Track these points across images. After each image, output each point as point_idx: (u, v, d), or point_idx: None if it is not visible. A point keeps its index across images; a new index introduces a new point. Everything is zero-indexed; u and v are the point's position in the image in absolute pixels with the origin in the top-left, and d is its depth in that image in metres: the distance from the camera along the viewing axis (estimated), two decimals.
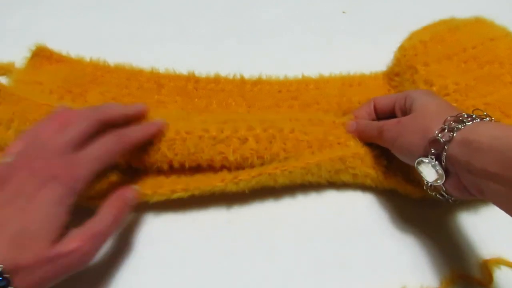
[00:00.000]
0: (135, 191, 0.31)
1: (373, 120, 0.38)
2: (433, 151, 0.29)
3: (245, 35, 0.51)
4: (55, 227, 0.26)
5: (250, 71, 0.44)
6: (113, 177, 0.35)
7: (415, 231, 0.35)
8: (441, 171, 0.29)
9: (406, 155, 0.32)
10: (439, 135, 0.29)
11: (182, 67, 0.44)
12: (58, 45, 0.48)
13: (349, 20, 0.53)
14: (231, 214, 0.35)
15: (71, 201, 0.27)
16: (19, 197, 0.26)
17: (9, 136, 0.34)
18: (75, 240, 0.26)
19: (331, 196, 0.37)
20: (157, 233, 0.34)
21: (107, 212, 0.29)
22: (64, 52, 0.45)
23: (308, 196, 0.36)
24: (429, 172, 0.29)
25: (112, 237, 0.32)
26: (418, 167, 0.30)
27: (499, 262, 0.32)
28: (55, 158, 0.28)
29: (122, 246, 0.33)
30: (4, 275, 0.23)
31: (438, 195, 0.31)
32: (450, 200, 0.31)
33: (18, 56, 0.44)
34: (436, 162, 0.29)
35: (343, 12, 0.54)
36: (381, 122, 0.35)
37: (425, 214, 0.36)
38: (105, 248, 0.33)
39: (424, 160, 0.29)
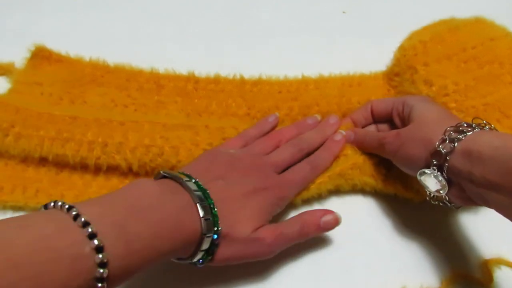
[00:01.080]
0: (335, 218, 0.32)
1: (369, 123, 0.38)
2: (435, 162, 0.29)
3: (245, 35, 0.51)
4: (259, 221, 0.29)
5: (250, 71, 0.44)
6: (114, 180, 0.35)
7: (415, 231, 0.35)
8: (444, 182, 0.29)
9: (408, 166, 0.32)
10: (440, 146, 0.29)
11: (182, 67, 0.44)
12: (58, 45, 0.48)
13: (349, 20, 0.53)
14: None
15: (272, 213, 0.31)
16: (241, 185, 0.30)
17: (9, 141, 0.35)
18: (267, 232, 0.29)
19: (332, 198, 0.37)
20: None
21: (298, 221, 0.31)
22: (64, 52, 0.45)
23: (308, 198, 0.36)
24: (432, 182, 0.29)
25: None
26: (421, 178, 0.30)
27: (499, 262, 0.32)
28: (268, 172, 0.32)
29: None
30: (219, 234, 0.27)
31: (441, 204, 0.31)
32: (454, 208, 0.31)
33: (18, 56, 0.44)
34: (439, 173, 0.29)
35: (343, 12, 0.54)
36: (381, 134, 0.35)
37: (425, 215, 0.36)
38: None
39: (427, 171, 0.29)
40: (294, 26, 0.52)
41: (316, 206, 0.36)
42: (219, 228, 0.27)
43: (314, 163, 0.35)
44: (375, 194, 0.37)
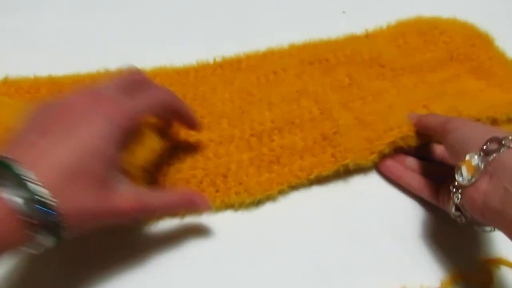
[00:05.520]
0: (206, 202, 0.31)
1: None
2: (485, 148, 0.28)
3: (245, 35, 0.51)
4: (107, 166, 0.25)
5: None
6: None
7: (415, 231, 0.35)
8: (481, 166, 0.27)
9: (460, 145, 0.30)
10: (503, 138, 0.27)
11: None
12: (58, 45, 0.48)
13: (349, 20, 0.53)
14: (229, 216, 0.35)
15: (122, 143, 0.26)
16: (72, 131, 0.25)
17: None
18: (130, 200, 0.26)
19: (331, 197, 0.37)
20: (153, 230, 0.34)
21: (169, 195, 0.29)
22: (63, 52, 0.45)
23: (308, 198, 0.36)
24: (469, 167, 0.28)
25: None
26: (462, 162, 0.28)
27: (499, 262, 0.32)
28: (106, 96, 0.27)
29: (122, 247, 0.33)
30: (57, 211, 0.22)
31: (453, 210, 0.30)
32: (461, 218, 0.30)
33: (18, 56, 0.44)
34: (482, 155, 0.27)
35: (343, 12, 0.54)
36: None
37: (425, 214, 0.36)
38: (103, 249, 0.33)
39: (474, 155, 0.28)
40: (294, 26, 0.52)
41: (314, 199, 0.36)
42: (52, 203, 0.22)
43: (172, 92, 0.32)
44: (376, 193, 0.37)
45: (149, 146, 0.30)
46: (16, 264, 0.31)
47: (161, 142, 0.32)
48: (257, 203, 0.35)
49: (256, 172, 0.35)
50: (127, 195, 0.26)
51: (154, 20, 0.52)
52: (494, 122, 0.38)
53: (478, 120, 0.37)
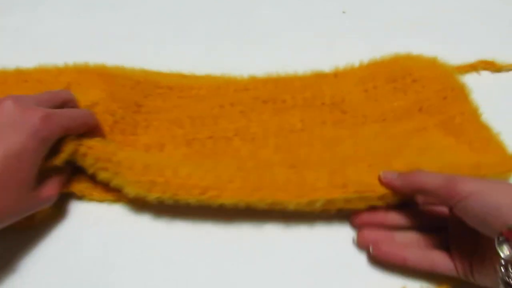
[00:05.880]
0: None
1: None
2: None
3: (245, 35, 0.51)
4: (32, 174, 0.29)
5: (249, 71, 0.44)
6: None
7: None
8: None
9: (487, 215, 0.26)
10: None
11: (181, 67, 0.44)
12: (58, 45, 0.48)
13: (349, 20, 0.53)
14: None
15: (44, 151, 0.30)
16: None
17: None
18: (51, 189, 0.31)
19: None
20: (153, 230, 0.34)
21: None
22: (63, 52, 0.45)
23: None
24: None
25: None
26: (502, 237, 0.25)
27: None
28: (29, 106, 0.29)
29: (122, 253, 0.33)
30: None
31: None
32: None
33: (18, 56, 0.44)
34: None
35: (343, 12, 0.54)
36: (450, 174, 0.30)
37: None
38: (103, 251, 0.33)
39: None
40: (293, 26, 0.52)
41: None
42: None
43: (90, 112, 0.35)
44: None
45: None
46: None
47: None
48: None
49: None
50: (50, 184, 0.31)
51: (154, 20, 0.52)
52: None
53: None
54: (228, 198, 0.31)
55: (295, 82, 0.43)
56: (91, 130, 0.34)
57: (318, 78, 0.43)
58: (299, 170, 0.34)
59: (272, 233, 0.34)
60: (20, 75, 0.43)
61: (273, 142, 0.37)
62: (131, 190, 0.32)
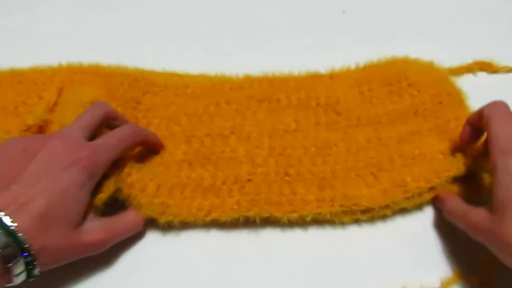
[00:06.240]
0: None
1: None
2: None
3: (245, 35, 0.51)
4: (79, 210, 0.28)
5: (250, 71, 0.44)
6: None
7: (415, 231, 0.35)
8: None
9: None
10: None
11: (181, 67, 0.45)
12: (58, 45, 0.48)
13: (349, 20, 0.53)
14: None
15: (91, 186, 0.30)
16: (45, 177, 0.27)
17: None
18: (100, 233, 0.29)
19: None
20: (154, 231, 0.34)
21: (130, 214, 0.32)
22: (63, 52, 0.45)
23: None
24: None
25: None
26: None
27: (499, 262, 0.32)
28: (75, 142, 0.30)
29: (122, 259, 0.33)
30: (31, 253, 0.25)
31: None
32: None
33: (18, 56, 0.44)
34: None
35: (343, 12, 0.54)
36: (465, 208, 0.31)
37: (425, 214, 0.36)
38: None
39: None
40: (293, 26, 0.52)
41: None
42: (27, 246, 0.25)
43: (135, 127, 0.35)
44: None
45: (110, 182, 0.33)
46: None
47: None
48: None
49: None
50: (97, 229, 0.30)
51: (154, 20, 0.52)
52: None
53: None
54: (229, 216, 0.33)
55: (290, 82, 0.43)
56: (143, 144, 0.35)
57: (314, 79, 0.43)
58: (292, 180, 0.35)
59: (272, 233, 0.34)
60: (15, 76, 0.43)
61: (268, 142, 0.37)
62: (144, 212, 0.33)
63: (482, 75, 0.46)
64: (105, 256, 0.32)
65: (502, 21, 0.51)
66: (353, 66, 0.44)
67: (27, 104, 0.40)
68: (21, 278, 0.26)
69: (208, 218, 0.33)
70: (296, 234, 0.34)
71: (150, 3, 0.55)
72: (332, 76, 0.43)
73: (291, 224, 0.34)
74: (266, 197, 0.34)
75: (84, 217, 0.29)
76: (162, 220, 0.33)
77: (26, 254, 0.25)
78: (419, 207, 0.36)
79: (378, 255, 0.33)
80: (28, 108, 0.40)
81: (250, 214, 0.33)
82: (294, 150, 0.37)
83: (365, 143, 0.38)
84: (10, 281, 0.25)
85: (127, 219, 0.32)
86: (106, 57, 0.44)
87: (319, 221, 0.34)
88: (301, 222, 0.34)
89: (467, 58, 0.46)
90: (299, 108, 0.40)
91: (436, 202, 0.35)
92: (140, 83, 0.42)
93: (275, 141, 0.38)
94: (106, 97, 0.39)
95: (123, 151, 0.33)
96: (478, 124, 0.33)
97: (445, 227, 0.35)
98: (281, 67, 0.44)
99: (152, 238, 0.34)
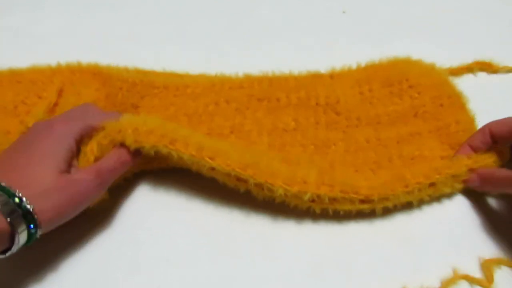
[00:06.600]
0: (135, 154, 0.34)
1: (488, 146, 0.35)
2: None
3: (245, 35, 0.51)
4: (61, 157, 0.30)
5: (249, 71, 0.44)
6: None
7: (415, 231, 0.35)
8: None
9: None
10: None
11: (181, 67, 0.45)
12: (58, 45, 0.48)
13: (349, 20, 0.53)
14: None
15: (71, 140, 0.32)
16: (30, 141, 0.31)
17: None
18: (81, 172, 0.31)
19: None
20: (154, 230, 0.34)
21: (114, 152, 0.33)
22: (63, 52, 0.45)
23: None
24: None
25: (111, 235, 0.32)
26: None
27: (499, 262, 0.32)
28: (57, 121, 0.33)
29: (122, 242, 0.33)
30: (25, 205, 0.26)
31: None
32: None
33: (18, 56, 0.44)
34: None
35: (343, 12, 0.54)
36: None
37: (424, 214, 0.36)
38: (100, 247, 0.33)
39: None
40: (293, 26, 0.52)
41: None
42: (24, 204, 0.27)
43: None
44: None
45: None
46: None
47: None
48: None
49: None
50: (84, 169, 0.31)
51: (154, 20, 0.52)
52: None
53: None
54: (221, 163, 0.32)
55: (290, 81, 0.43)
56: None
57: (314, 79, 0.43)
58: (290, 165, 0.34)
59: (272, 232, 0.34)
60: (14, 75, 0.43)
61: (267, 141, 0.38)
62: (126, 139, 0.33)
63: (482, 75, 0.46)
64: (105, 255, 0.32)
65: (502, 21, 0.51)
66: (353, 66, 0.44)
67: (27, 104, 0.40)
68: (24, 236, 0.27)
69: (198, 155, 0.32)
70: (296, 234, 0.34)
71: (150, 3, 0.55)
72: (332, 76, 0.43)
73: (294, 216, 0.34)
74: (266, 165, 0.33)
75: (72, 168, 0.31)
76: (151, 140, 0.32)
77: (19, 199, 0.26)
78: (419, 204, 0.36)
79: (378, 255, 0.33)
80: (27, 107, 0.40)
81: (244, 174, 0.32)
82: (293, 148, 0.37)
83: (365, 143, 0.38)
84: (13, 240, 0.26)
85: (113, 154, 0.33)
86: (106, 57, 0.45)
87: (317, 203, 0.33)
88: (298, 212, 0.34)
89: (467, 58, 0.46)
90: (298, 107, 0.40)
91: (474, 181, 0.35)
92: (138, 86, 0.42)
93: (274, 140, 0.38)
94: (105, 101, 0.40)
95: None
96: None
97: (446, 227, 0.35)
98: (281, 67, 0.44)
99: (152, 238, 0.34)
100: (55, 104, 0.40)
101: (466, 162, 0.35)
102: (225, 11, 0.54)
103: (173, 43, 0.49)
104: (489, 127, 0.35)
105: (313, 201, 0.33)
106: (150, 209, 0.35)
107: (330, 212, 0.34)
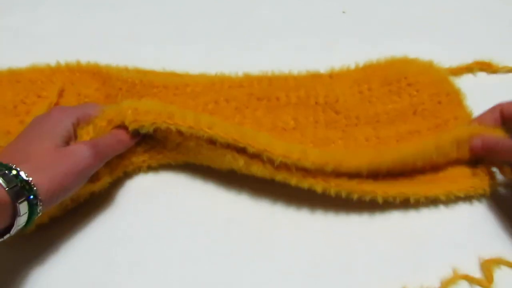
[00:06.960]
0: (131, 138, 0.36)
1: (496, 125, 0.35)
2: None
3: (245, 35, 0.51)
4: (57, 134, 0.31)
5: (249, 71, 0.44)
6: None
7: (415, 230, 0.35)
8: None
9: None
10: None
11: (181, 67, 0.45)
12: (58, 45, 0.48)
13: (349, 20, 0.53)
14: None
15: (68, 123, 0.33)
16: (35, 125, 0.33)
17: None
18: (77, 144, 0.32)
19: (331, 198, 0.37)
20: (155, 229, 0.34)
21: (110, 131, 0.34)
22: (63, 52, 0.45)
23: (308, 198, 0.36)
24: None
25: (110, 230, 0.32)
26: None
27: (499, 262, 0.32)
28: (55, 109, 0.35)
29: (121, 238, 0.33)
30: (22, 176, 0.27)
31: None
32: None
33: (18, 56, 0.44)
34: None
35: (343, 12, 0.54)
36: None
37: (424, 214, 0.36)
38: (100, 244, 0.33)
39: None
40: (293, 26, 0.52)
41: (314, 199, 0.36)
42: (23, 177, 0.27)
43: None
44: None
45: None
46: None
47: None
48: None
49: None
50: (80, 141, 0.33)
51: (154, 20, 0.52)
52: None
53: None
54: (219, 132, 0.32)
55: (289, 80, 0.43)
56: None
57: (313, 78, 0.43)
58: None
59: (271, 231, 0.34)
60: (13, 75, 0.43)
61: (263, 142, 0.37)
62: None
63: (482, 75, 0.46)
64: (105, 254, 0.32)
65: (502, 21, 0.51)
66: (352, 66, 0.44)
67: (26, 103, 0.40)
68: (24, 206, 0.27)
69: (194, 122, 0.33)
70: (296, 234, 0.34)
71: (150, 3, 0.55)
72: (332, 76, 0.44)
73: (294, 215, 0.34)
74: (265, 137, 0.33)
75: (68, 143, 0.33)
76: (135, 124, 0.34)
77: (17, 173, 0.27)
78: (417, 204, 0.35)
79: (378, 254, 0.33)
80: (27, 107, 0.40)
81: (242, 141, 0.32)
82: None
83: (364, 142, 0.38)
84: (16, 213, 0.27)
85: (109, 133, 0.34)
86: (106, 57, 0.45)
87: (319, 180, 0.33)
88: (298, 212, 0.34)
89: (467, 58, 0.46)
90: (298, 106, 0.40)
91: (477, 146, 0.35)
92: (138, 86, 0.42)
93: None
94: (105, 101, 0.40)
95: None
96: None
97: (445, 227, 0.35)
98: (281, 67, 0.44)
99: (151, 237, 0.34)
100: (56, 104, 0.40)
101: (470, 128, 0.35)
102: (225, 11, 0.54)
103: (173, 43, 0.49)
104: (501, 106, 0.35)
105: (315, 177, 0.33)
106: (150, 209, 0.35)
107: (332, 193, 0.33)
